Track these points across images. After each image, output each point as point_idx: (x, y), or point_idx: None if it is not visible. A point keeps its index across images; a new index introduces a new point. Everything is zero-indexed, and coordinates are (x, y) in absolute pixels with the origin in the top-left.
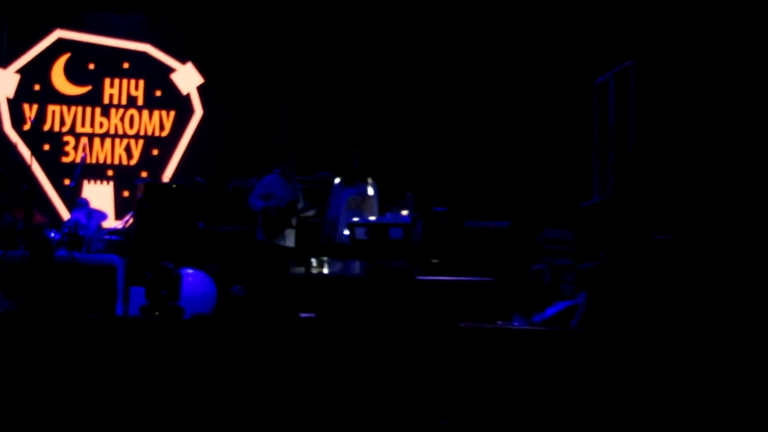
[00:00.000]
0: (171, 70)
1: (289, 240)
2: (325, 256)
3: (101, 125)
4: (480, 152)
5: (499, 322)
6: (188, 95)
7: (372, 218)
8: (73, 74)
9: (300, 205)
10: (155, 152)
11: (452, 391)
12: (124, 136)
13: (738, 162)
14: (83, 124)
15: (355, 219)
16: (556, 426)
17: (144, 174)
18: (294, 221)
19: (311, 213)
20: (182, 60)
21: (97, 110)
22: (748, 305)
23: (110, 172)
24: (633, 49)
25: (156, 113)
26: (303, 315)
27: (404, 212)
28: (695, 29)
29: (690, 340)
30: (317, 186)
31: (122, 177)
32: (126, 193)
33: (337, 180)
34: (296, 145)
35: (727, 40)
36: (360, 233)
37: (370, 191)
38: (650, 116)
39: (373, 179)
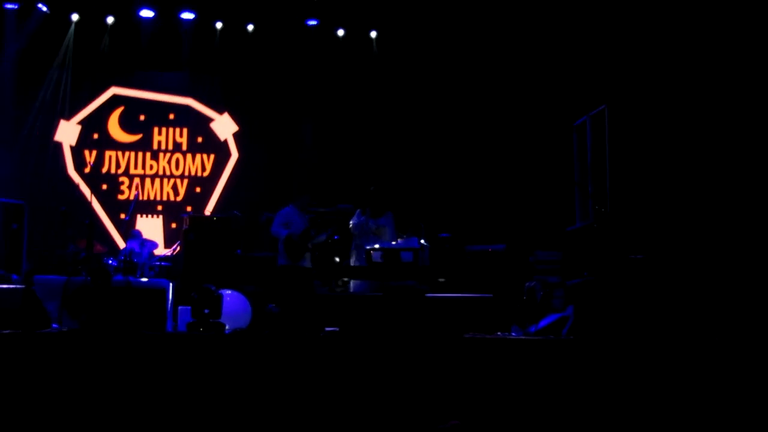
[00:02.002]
0: (210, 119)
1: (307, 262)
2: (344, 277)
3: (151, 167)
4: (478, 185)
5: (499, 333)
6: (225, 141)
7: (393, 243)
8: (126, 124)
9: (312, 233)
10: (198, 190)
11: (459, 394)
12: (171, 176)
13: (701, 190)
14: (136, 167)
15: (376, 246)
16: (550, 424)
17: (189, 209)
18: (309, 246)
19: (322, 239)
20: (220, 111)
21: (148, 155)
22: (715, 314)
23: (160, 207)
24: (606, 94)
25: (198, 156)
26: (328, 329)
27: (422, 241)
28: (662, 74)
29: (664, 345)
30: (333, 217)
31: (170, 211)
32: (174, 225)
33: (357, 212)
34: (314, 183)
35: (690, 84)
36: (376, 257)
37: (385, 221)
38: (623, 152)
39: (388, 211)
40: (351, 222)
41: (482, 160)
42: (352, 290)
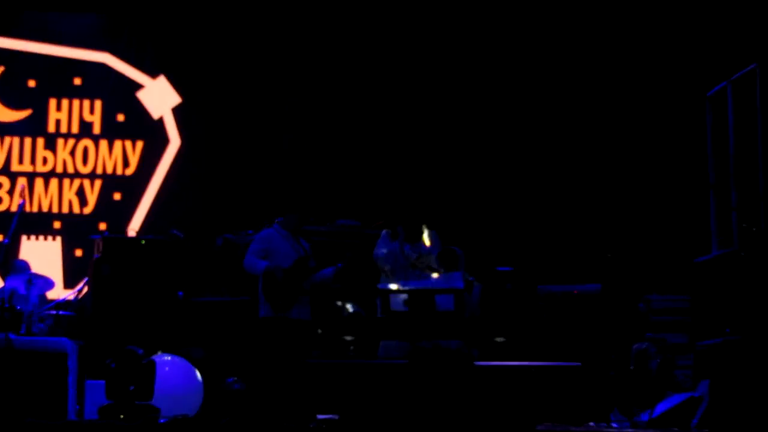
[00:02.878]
0: (137, 86)
1: (303, 312)
2: (351, 335)
3: (45, 161)
4: (555, 191)
5: (592, 424)
6: (161, 120)
7: (431, 280)
8: (8, 94)
9: (312, 264)
10: (117, 197)
11: None
12: (76, 175)
13: None
14: (21, 161)
15: (392, 286)
16: None
17: (102, 226)
18: (307, 286)
19: (327, 274)
20: (152, 74)
21: (40, 141)
22: None
23: (57, 224)
24: (756, 49)
25: (118, 145)
26: (321, 417)
27: (469, 278)
28: None
29: None
30: (336, 240)
31: (73, 230)
32: (79, 252)
33: (383, 235)
34: (305, 189)
35: None
36: (396, 304)
37: (430, 245)
38: None
39: (430, 230)
40: (377, 251)
41: (561, 154)
42: (383, 353)
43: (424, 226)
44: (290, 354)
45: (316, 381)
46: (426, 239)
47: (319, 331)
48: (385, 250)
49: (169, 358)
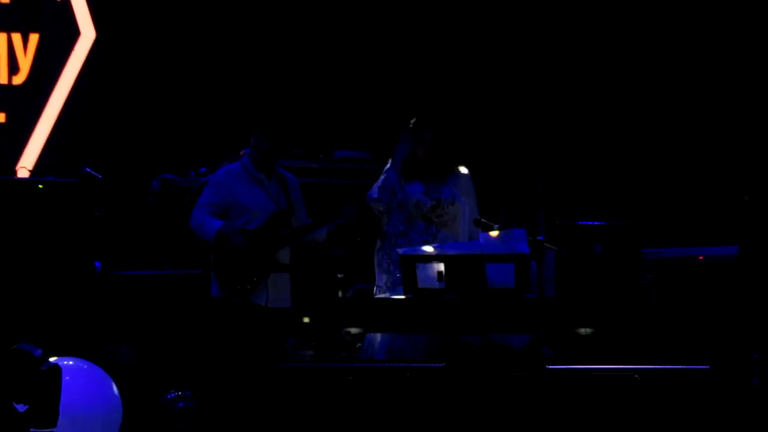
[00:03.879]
0: None
1: (280, 294)
2: (356, 326)
3: None
4: (657, 112)
5: None
6: (67, 4)
7: (468, 240)
8: None
9: (297, 222)
10: (1, 118)
11: None
12: None
13: None
14: None
15: (427, 248)
16: None
17: None
18: (286, 257)
19: (323, 236)
20: None
21: None
22: None
23: None
24: None
25: (1, 38)
26: None
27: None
28: None
29: None
30: (334, 180)
31: None
32: None
33: (389, 166)
34: (285, 102)
35: None
36: (426, 276)
37: (460, 188)
38: None
39: (460, 168)
40: (373, 191)
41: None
42: (368, 350)
43: (458, 168)
44: (257, 354)
45: (297, 395)
46: (459, 187)
47: (306, 320)
48: (385, 185)
49: (79, 363)
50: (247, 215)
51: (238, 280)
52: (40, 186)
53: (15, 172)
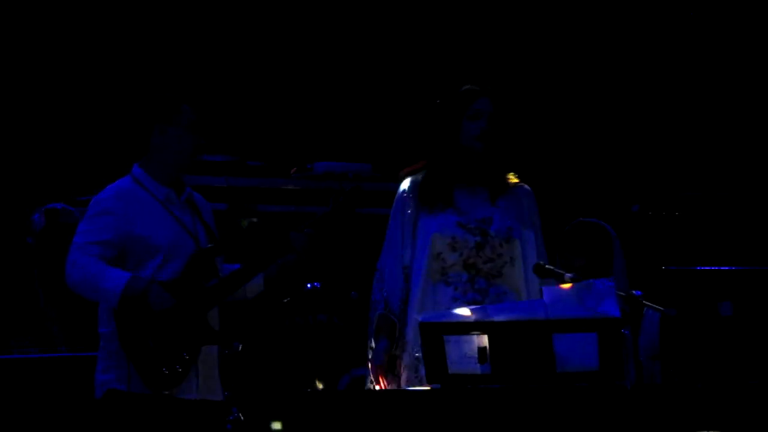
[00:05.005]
0: None
1: (210, 380)
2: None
3: None
4: None
5: None
6: None
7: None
8: None
9: (220, 268)
10: None
11: None
12: None
13: None
14: None
15: (462, 311)
16: None
17: None
18: (214, 321)
19: (256, 288)
20: None
21: None
22: None
23: None
24: None
25: None
26: None
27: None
28: None
29: None
30: (315, 206)
31: None
32: None
33: (405, 185)
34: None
35: None
36: (462, 357)
37: (522, 218)
38: None
39: (517, 181)
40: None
41: None
42: None
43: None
44: None
45: None
46: (519, 195)
47: (277, 426)
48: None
49: None
50: (159, 257)
51: (163, 360)
52: None
53: None
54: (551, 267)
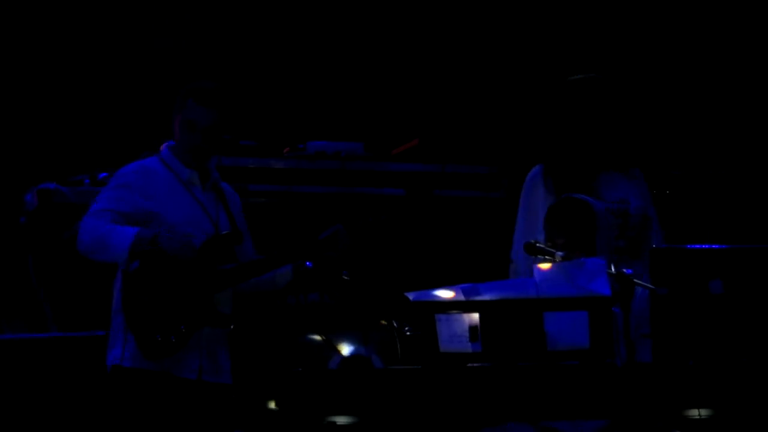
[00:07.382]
0: None
1: (217, 363)
2: (344, 415)
3: None
4: None
5: None
6: None
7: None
8: None
9: (242, 256)
10: None
11: None
12: None
13: None
14: None
15: (445, 293)
16: None
17: None
18: (226, 305)
19: (286, 277)
20: None
21: None
22: None
23: None
24: None
25: None
26: None
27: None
28: None
29: None
30: (307, 187)
31: None
32: None
33: (534, 173)
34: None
35: None
36: (453, 335)
37: (644, 195)
38: None
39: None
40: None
41: None
42: None
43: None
44: None
45: None
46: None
47: (272, 405)
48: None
49: None
50: (169, 230)
51: (159, 327)
52: None
53: None
54: (542, 245)
